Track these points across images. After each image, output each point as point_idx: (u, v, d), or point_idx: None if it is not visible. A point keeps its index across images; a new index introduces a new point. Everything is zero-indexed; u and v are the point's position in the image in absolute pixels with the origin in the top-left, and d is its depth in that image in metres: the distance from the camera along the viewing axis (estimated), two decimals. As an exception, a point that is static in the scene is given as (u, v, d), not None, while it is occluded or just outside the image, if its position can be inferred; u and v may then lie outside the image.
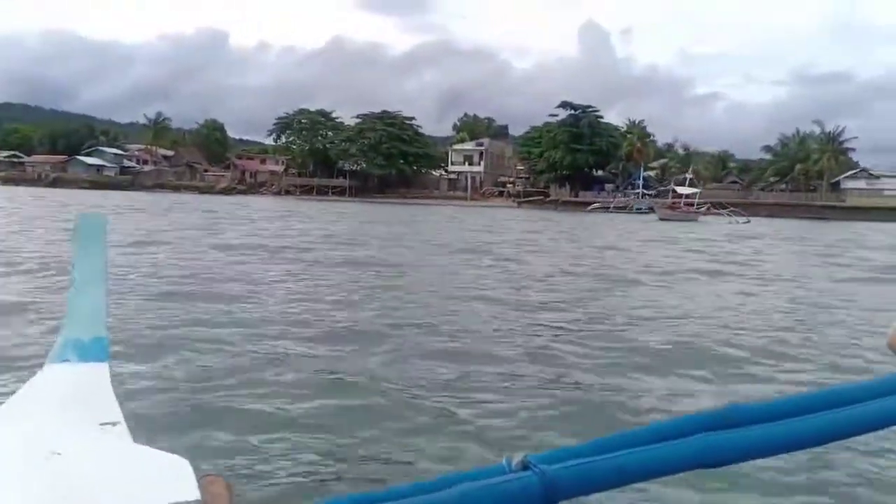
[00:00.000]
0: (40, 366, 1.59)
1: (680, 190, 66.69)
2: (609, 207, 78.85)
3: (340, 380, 6.88)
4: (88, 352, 1.62)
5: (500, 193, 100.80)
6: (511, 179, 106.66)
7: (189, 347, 7.89)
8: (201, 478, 1.03)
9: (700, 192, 68.79)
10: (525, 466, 0.77)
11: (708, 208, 63.48)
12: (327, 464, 4.81)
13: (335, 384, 6.72)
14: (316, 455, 4.93)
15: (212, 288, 12.63)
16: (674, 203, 64.26)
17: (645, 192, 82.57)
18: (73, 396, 1.46)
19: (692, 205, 63.51)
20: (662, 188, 77.66)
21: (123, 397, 1.46)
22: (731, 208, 62.05)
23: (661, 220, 56.52)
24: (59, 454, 1.09)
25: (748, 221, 55.77)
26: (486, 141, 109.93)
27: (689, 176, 70.81)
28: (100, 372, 1.57)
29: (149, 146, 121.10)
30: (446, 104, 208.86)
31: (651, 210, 73.18)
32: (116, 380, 1.57)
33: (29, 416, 1.33)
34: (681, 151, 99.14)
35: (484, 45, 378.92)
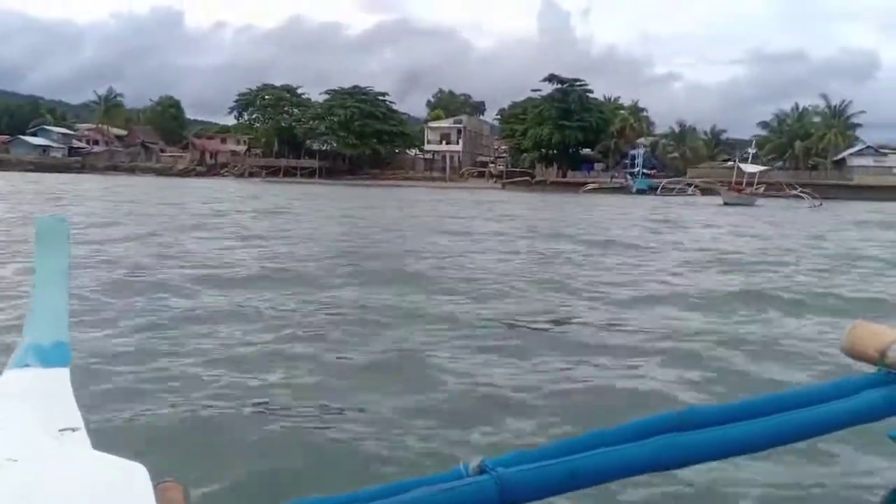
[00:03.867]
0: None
1: (745, 168, 58.98)
2: (604, 187, 73.25)
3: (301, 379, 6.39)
4: (49, 356, 1.57)
5: (481, 174, 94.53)
6: (491, 159, 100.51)
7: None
8: (157, 484, 1.05)
9: (769, 171, 62.09)
10: (482, 470, 0.76)
11: (764, 189, 56.82)
12: (286, 464, 4.60)
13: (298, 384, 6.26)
14: (273, 454, 4.73)
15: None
16: (737, 184, 55.93)
17: (645, 171, 76.47)
18: (33, 402, 1.44)
19: (752, 185, 56.71)
20: (731, 162, 69.74)
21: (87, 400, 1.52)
22: (801, 189, 55.79)
23: (726, 204, 48.47)
24: (14, 461, 1.10)
25: (821, 205, 49.34)
26: (464, 118, 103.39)
27: (752, 151, 62.64)
28: (61, 377, 1.54)
29: (100, 125, 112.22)
30: (407, 84, 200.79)
31: (652, 190, 67.59)
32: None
33: None
34: (675, 128, 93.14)
35: (442, 25, 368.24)
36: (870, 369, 0.91)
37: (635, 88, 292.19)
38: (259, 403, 5.77)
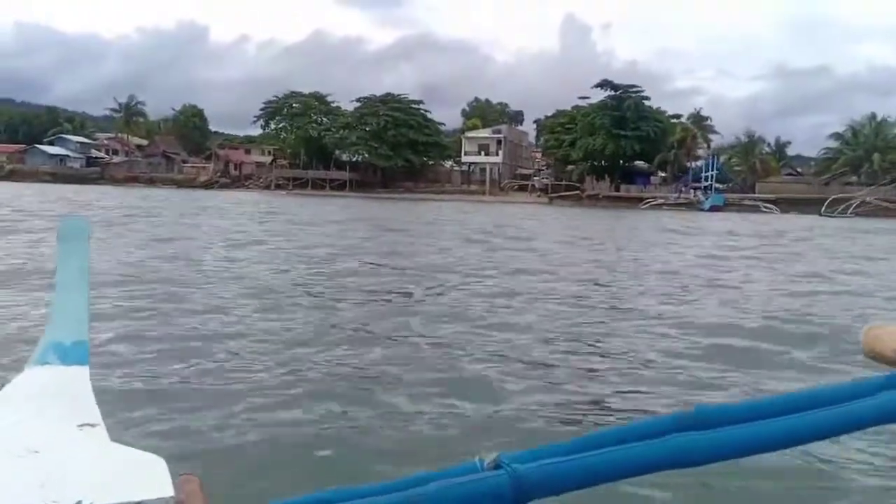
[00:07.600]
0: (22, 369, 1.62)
1: None
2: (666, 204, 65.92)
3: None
4: (69, 355, 1.64)
5: (523, 187, 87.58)
6: (533, 171, 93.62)
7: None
8: (177, 477, 1.05)
9: None
10: (497, 466, 0.76)
11: None
12: (305, 456, 4.55)
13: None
14: (292, 447, 4.71)
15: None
16: None
17: (717, 185, 68.90)
18: (53, 398, 1.48)
19: None
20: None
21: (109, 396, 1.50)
22: None
23: None
24: (36, 452, 1.12)
25: None
26: (504, 128, 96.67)
27: None
28: (80, 375, 1.60)
29: (119, 134, 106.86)
30: (430, 97, 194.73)
31: (721, 207, 60.03)
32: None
33: (7, 416, 1.36)
34: (742, 139, 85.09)
35: (463, 40, 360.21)
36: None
37: (658, 102, 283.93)
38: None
